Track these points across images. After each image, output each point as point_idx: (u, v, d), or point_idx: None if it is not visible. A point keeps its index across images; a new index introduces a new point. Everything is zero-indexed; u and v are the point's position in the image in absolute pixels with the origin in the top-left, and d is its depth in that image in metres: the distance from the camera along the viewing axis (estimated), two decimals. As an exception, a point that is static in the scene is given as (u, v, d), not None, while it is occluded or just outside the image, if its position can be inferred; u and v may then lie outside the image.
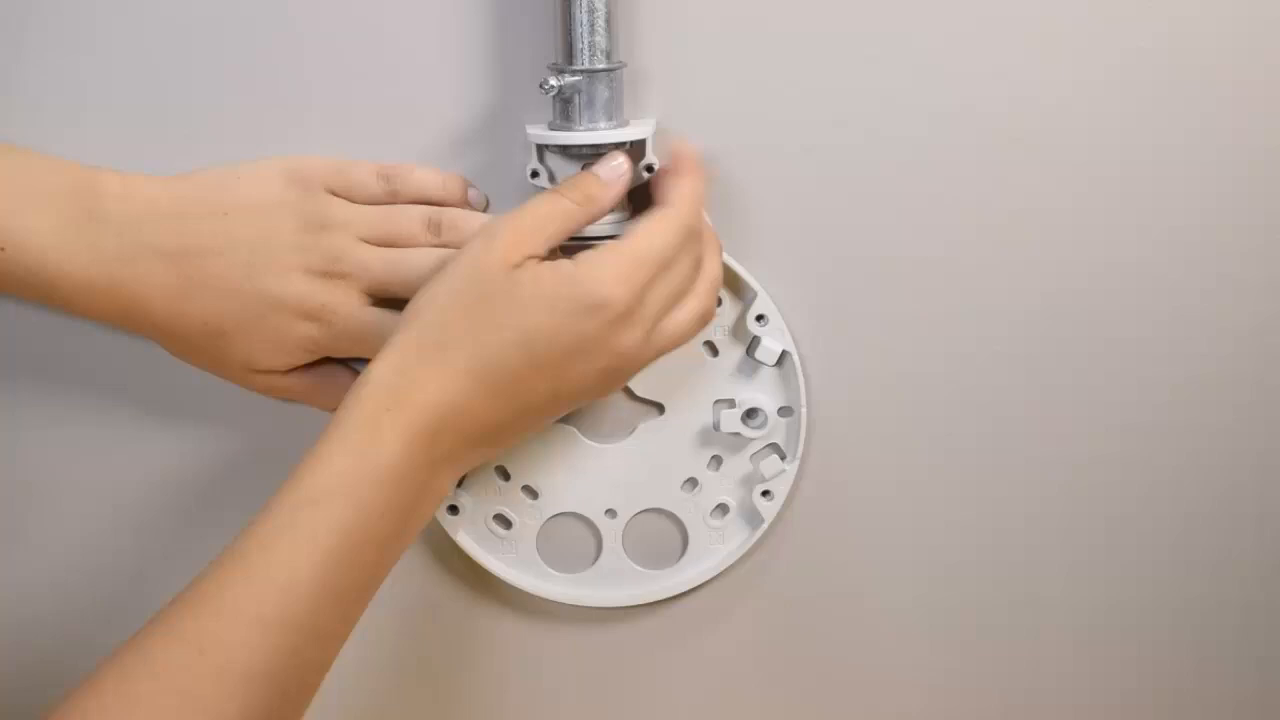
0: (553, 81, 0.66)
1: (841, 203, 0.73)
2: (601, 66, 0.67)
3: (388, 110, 0.71)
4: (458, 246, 0.69)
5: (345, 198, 0.69)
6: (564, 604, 0.77)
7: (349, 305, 0.68)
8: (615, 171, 0.67)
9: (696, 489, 0.76)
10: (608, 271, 0.62)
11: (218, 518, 0.76)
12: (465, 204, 0.71)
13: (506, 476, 0.75)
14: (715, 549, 0.77)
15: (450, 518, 0.75)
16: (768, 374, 0.75)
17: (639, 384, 0.74)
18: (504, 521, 0.76)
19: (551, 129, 0.68)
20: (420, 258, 0.68)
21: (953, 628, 0.80)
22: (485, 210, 0.71)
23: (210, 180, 0.69)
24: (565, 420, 0.75)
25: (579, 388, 0.64)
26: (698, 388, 0.74)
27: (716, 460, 0.76)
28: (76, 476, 0.76)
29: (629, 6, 0.70)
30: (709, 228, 0.69)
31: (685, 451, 0.75)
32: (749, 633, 0.79)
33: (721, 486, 0.76)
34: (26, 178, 0.66)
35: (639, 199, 0.70)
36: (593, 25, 0.67)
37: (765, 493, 0.75)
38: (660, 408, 0.75)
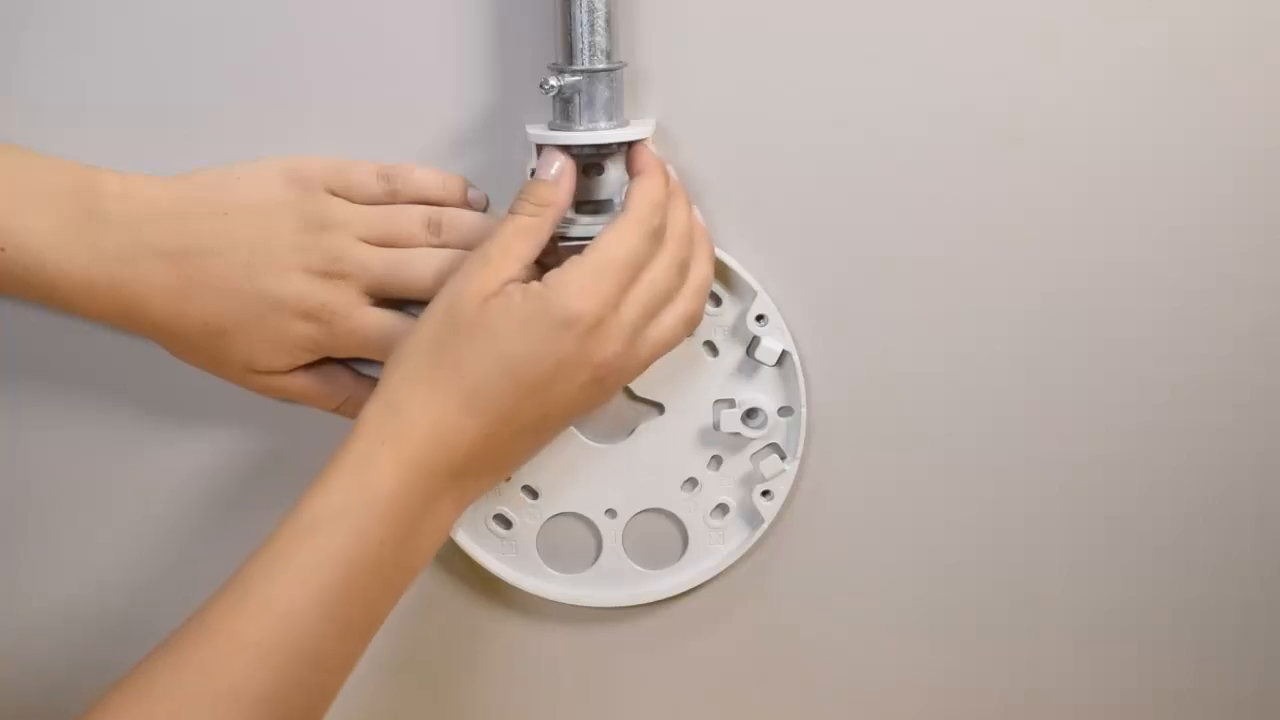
0: (553, 81, 0.66)
1: (841, 203, 0.73)
2: (601, 66, 0.67)
3: (388, 110, 0.71)
4: (458, 246, 0.69)
5: (345, 198, 0.69)
6: (564, 604, 0.77)
7: (348, 305, 0.68)
8: (556, 168, 0.67)
9: (696, 489, 0.76)
10: (572, 286, 0.63)
11: (218, 518, 0.76)
12: (465, 204, 0.71)
13: (507, 477, 0.75)
14: (715, 549, 0.77)
15: (450, 518, 0.75)
16: (768, 374, 0.75)
17: (639, 384, 0.74)
18: (504, 521, 0.76)
19: (551, 129, 0.68)
20: (420, 258, 0.69)
21: (953, 628, 0.80)
22: (485, 210, 0.71)
23: (210, 180, 0.69)
24: (565, 420, 0.75)
25: (569, 405, 0.65)
26: (698, 388, 0.74)
27: (716, 460, 0.76)
28: (76, 477, 0.75)
29: (629, 6, 0.70)
30: (700, 228, 0.69)
31: (685, 451, 0.75)
32: (749, 633, 0.79)
33: (721, 486, 0.76)
34: (26, 178, 0.66)
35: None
36: (593, 25, 0.67)
37: (765, 493, 0.75)
38: (660, 408, 0.75)
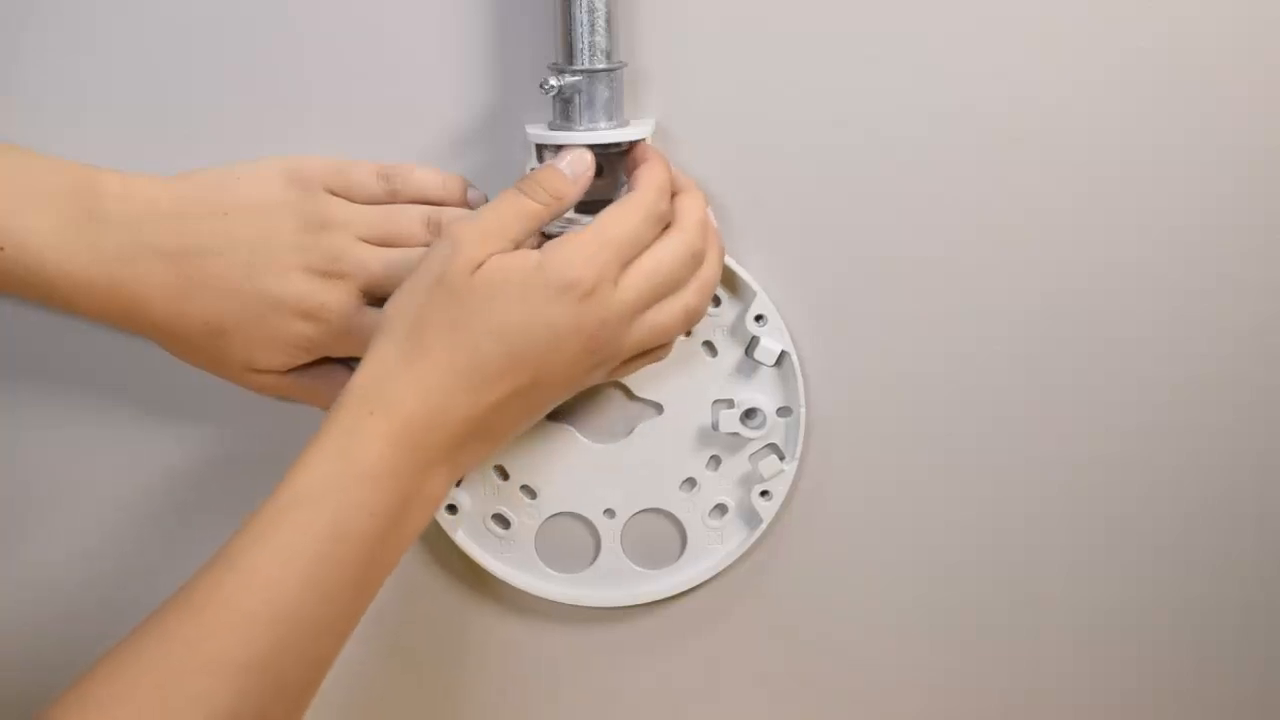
0: (553, 81, 0.66)
1: (841, 203, 0.73)
2: (601, 66, 0.67)
3: (388, 110, 0.71)
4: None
5: (345, 197, 0.69)
6: (562, 604, 0.77)
7: (348, 305, 0.68)
8: (580, 165, 0.67)
9: (695, 489, 0.76)
10: (573, 253, 0.63)
11: (217, 517, 0.76)
12: (465, 204, 0.71)
13: (505, 476, 0.75)
14: (714, 549, 0.77)
15: (449, 517, 0.75)
16: (766, 374, 0.75)
17: (638, 384, 0.74)
18: (502, 521, 0.76)
19: (551, 129, 0.68)
20: (419, 258, 0.68)
21: (953, 628, 0.80)
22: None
23: (210, 180, 0.69)
24: (563, 420, 0.75)
25: (562, 375, 0.64)
26: (696, 388, 0.74)
27: (715, 460, 0.76)
28: (76, 476, 0.76)
29: (629, 6, 0.70)
30: (713, 228, 0.69)
31: (684, 451, 0.75)
32: (748, 633, 0.79)
33: (720, 486, 0.76)
34: (26, 178, 0.66)
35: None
36: (593, 25, 0.67)
37: (764, 493, 0.75)
38: (659, 408, 0.75)
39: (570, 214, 0.69)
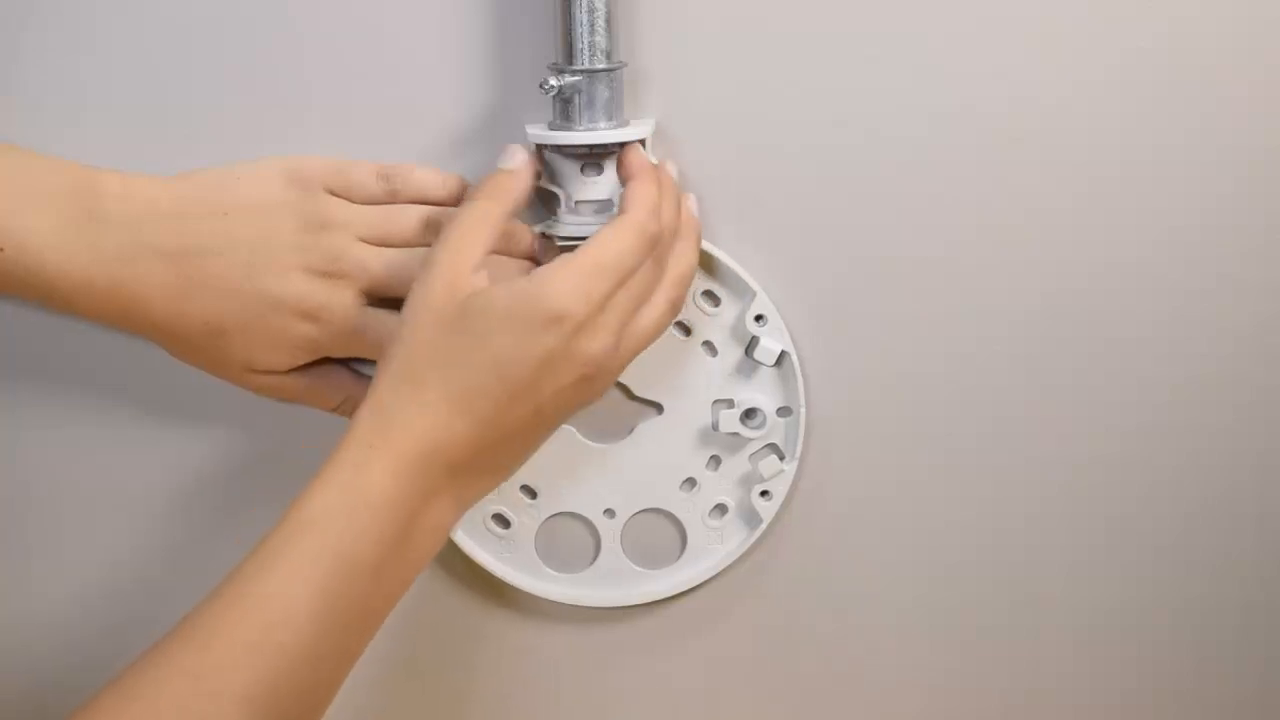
0: (553, 81, 0.66)
1: (841, 203, 0.73)
2: (601, 66, 0.67)
3: (388, 110, 0.71)
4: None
5: (345, 198, 0.69)
6: (562, 604, 0.77)
7: (347, 305, 0.68)
8: (514, 158, 0.67)
9: (695, 489, 0.76)
10: (563, 284, 0.62)
11: (218, 518, 0.76)
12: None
13: (505, 478, 0.75)
14: (714, 549, 0.77)
15: (449, 517, 0.75)
16: (766, 374, 0.75)
17: (638, 384, 0.74)
18: (502, 521, 0.76)
19: (551, 129, 0.68)
20: (419, 258, 0.68)
21: (953, 628, 0.80)
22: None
23: (210, 180, 0.69)
24: (564, 420, 0.75)
25: (560, 402, 0.64)
26: (696, 388, 0.74)
27: (715, 460, 0.76)
28: (76, 477, 0.76)
29: (629, 6, 0.70)
30: (691, 220, 0.69)
31: (684, 451, 0.75)
32: (748, 633, 0.79)
33: (720, 486, 0.76)
34: (26, 178, 0.66)
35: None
36: (593, 25, 0.67)
37: (764, 493, 0.75)
38: (659, 407, 0.75)
39: (568, 214, 0.69)
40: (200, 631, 0.58)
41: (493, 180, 0.66)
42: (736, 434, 0.74)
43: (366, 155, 0.70)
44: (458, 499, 0.64)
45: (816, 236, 0.73)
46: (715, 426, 0.75)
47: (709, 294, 0.73)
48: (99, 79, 0.70)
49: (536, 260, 0.71)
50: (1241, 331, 0.75)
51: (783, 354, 0.74)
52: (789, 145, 0.72)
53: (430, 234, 0.69)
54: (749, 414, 0.74)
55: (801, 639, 0.79)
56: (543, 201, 0.71)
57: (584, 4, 0.66)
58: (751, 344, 0.74)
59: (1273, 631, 0.80)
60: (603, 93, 0.67)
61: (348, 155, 0.70)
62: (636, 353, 0.66)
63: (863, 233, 0.73)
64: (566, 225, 0.69)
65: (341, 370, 0.72)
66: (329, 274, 0.68)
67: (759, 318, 0.73)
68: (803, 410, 0.74)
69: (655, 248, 0.65)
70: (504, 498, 0.75)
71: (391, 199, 0.70)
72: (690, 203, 0.70)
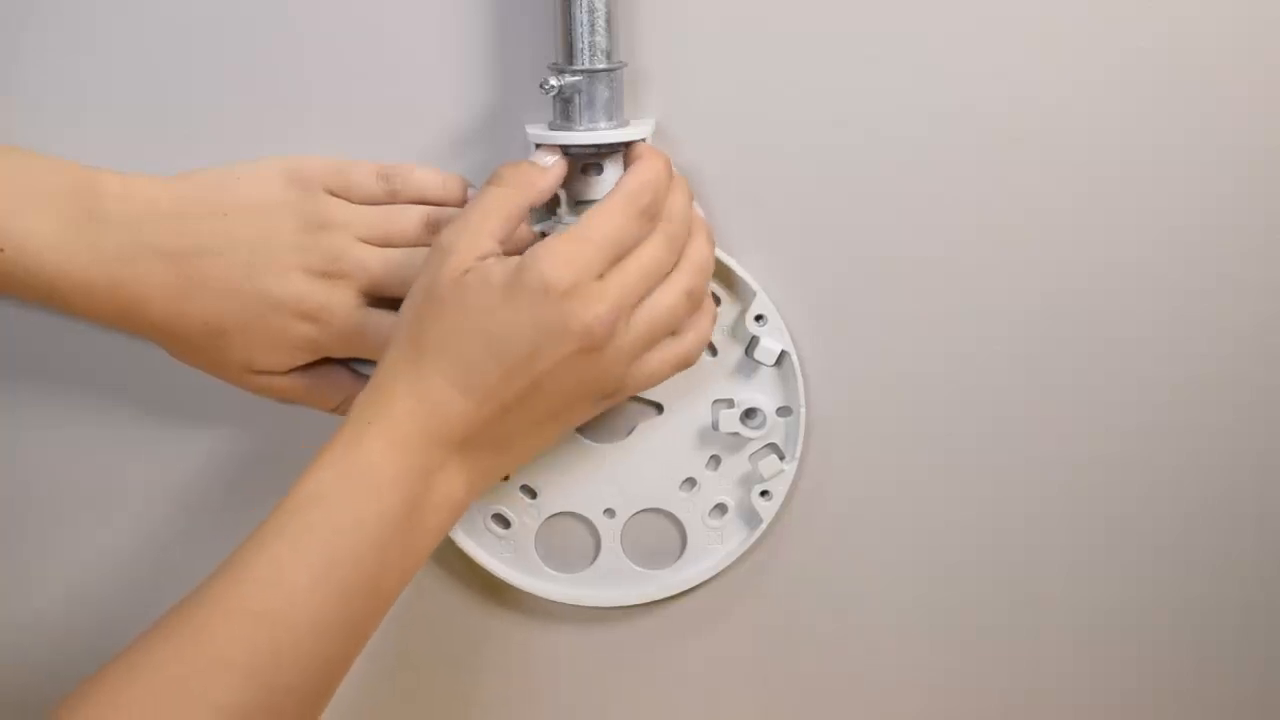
0: (553, 81, 0.66)
1: (841, 203, 0.73)
2: (601, 66, 0.67)
3: (388, 110, 0.71)
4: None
5: (344, 198, 0.69)
6: (562, 604, 0.77)
7: (347, 305, 0.68)
8: (551, 157, 0.67)
9: (695, 489, 0.76)
10: (552, 254, 0.62)
11: (218, 518, 0.76)
12: (465, 204, 0.71)
13: (505, 476, 0.75)
14: (714, 549, 0.77)
15: (449, 517, 0.75)
16: (766, 374, 0.75)
17: (638, 384, 0.74)
18: (502, 521, 0.76)
19: (551, 129, 0.68)
20: (419, 258, 0.68)
21: (953, 628, 0.80)
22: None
23: (210, 180, 0.69)
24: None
25: (562, 377, 0.63)
26: (696, 387, 0.74)
27: (715, 460, 0.76)
28: (76, 477, 0.76)
29: (629, 6, 0.70)
30: (700, 219, 0.69)
31: (684, 451, 0.75)
32: (747, 633, 0.79)
33: (720, 486, 0.76)
34: (26, 178, 0.67)
35: None
36: (593, 25, 0.67)
37: (764, 493, 0.75)
38: (659, 407, 0.75)
39: (568, 214, 0.70)
40: (203, 603, 0.58)
41: (519, 169, 0.66)
42: (736, 434, 0.74)
43: (366, 155, 0.70)
44: (466, 478, 0.64)
45: (816, 236, 0.74)
46: (715, 426, 0.75)
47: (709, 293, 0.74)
48: (99, 79, 0.70)
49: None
50: (1241, 331, 0.75)
51: (783, 354, 0.74)
52: (789, 145, 0.72)
53: (430, 234, 0.69)
54: (749, 414, 0.74)
55: (801, 639, 0.79)
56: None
57: (584, 4, 0.66)
58: (751, 344, 0.74)
59: (1273, 631, 0.80)
60: (603, 93, 0.67)
61: (348, 155, 0.70)
62: (650, 339, 0.65)
63: (863, 233, 0.74)
64: (566, 225, 0.69)
65: (341, 370, 0.72)
66: (329, 274, 0.68)
67: (759, 318, 0.73)
68: (803, 410, 0.74)
69: (653, 221, 0.65)
70: (504, 498, 0.75)
71: (391, 199, 0.70)
72: (696, 208, 0.70)
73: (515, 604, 0.78)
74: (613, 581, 0.77)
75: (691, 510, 0.76)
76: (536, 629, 0.78)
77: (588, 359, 0.63)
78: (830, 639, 0.79)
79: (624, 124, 0.68)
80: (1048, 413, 0.76)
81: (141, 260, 0.67)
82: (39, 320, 0.73)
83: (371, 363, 0.71)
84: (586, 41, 0.67)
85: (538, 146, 0.68)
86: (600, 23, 0.67)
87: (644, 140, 0.68)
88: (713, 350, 0.74)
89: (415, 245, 0.69)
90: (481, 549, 0.76)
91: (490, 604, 0.78)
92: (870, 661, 0.80)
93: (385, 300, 0.69)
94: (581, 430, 0.75)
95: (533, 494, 0.76)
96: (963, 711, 0.81)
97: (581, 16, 0.66)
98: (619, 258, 0.64)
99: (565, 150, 0.68)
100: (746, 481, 0.76)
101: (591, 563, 0.77)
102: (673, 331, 0.67)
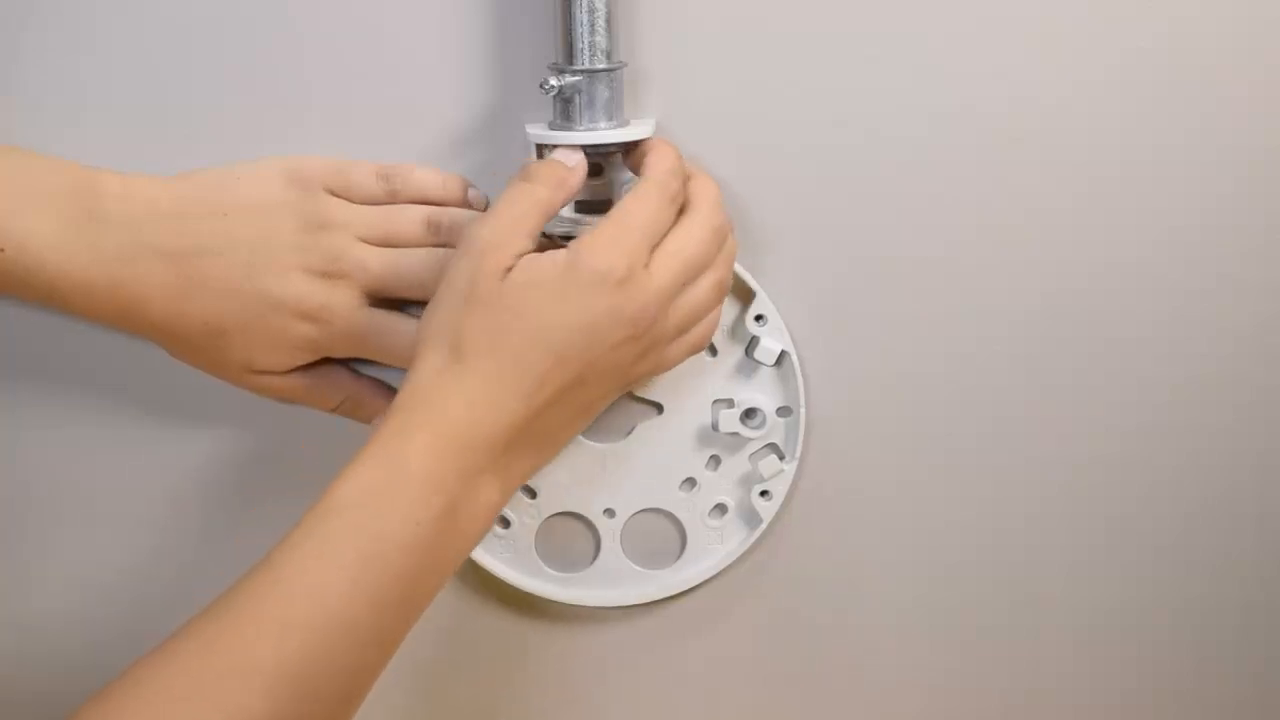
0: (553, 81, 0.66)
1: (841, 203, 0.73)
2: (601, 66, 0.67)
3: (388, 110, 0.71)
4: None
5: (345, 198, 0.69)
6: (562, 604, 0.77)
7: (348, 305, 0.68)
8: (574, 156, 0.67)
9: (695, 489, 0.76)
10: (600, 243, 0.62)
11: (218, 518, 0.76)
12: (465, 204, 0.71)
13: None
14: (714, 549, 0.77)
15: (449, 517, 0.75)
16: (766, 374, 0.75)
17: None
18: (502, 520, 0.76)
19: (552, 129, 0.68)
20: (419, 258, 0.69)
21: (953, 628, 0.80)
22: (485, 210, 0.71)
23: (210, 180, 0.69)
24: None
25: (609, 369, 0.63)
26: (696, 387, 0.74)
27: (715, 460, 0.76)
28: (76, 477, 0.76)
29: (629, 6, 0.70)
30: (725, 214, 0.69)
31: (684, 451, 0.75)
32: (747, 633, 0.79)
33: (720, 486, 0.76)
34: (26, 178, 0.66)
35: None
36: (593, 25, 0.67)
37: (764, 493, 0.75)
38: (659, 407, 0.75)
39: (573, 215, 0.70)
40: (232, 608, 0.58)
41: (550, 168, 0.66)
42: (736, 434, 0.74)
43: (366, 155, 0.70)
44: (503, 479, 0.64)
45: (816, 236, 0.74)
46: (715, 426, 0.75)
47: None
48: (99, 79, 0.70)
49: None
50: (1241, 331, 0.75)
51: (783, 354, 0.74)
52: (789, 145, 0.72)
53: (431, 234, 0.69)
54: (749, 414, 0.74)
55: (801, 639, 0.79)
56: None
57: (584, 4, 0.66)
58: (751, 344, 0.74)
59: (1273, 631, 0.80)
60: (603, 93, 0.67)
61: (348, 155, 0.70)
62: (684, 325, 0.66)
63: (863, 233, 0.74)
64: (567, 225, 0.69)
65: (341, 370, 0.72)
66: (329, 274, 0.68)
67: (759, 318, 0.73)
68: (803, 410, 0.74)
69: (679, 206, 0.66)
70: (504, 498, 0.76)
71: (391, 199, 0.70)
72: None
73: (515, 604, 0.78)
74: (613, 581, 0.77)
75: (691, 510, 0.76)
76: (536, 629, 0.78)
77: (631, 346, 0.64)
78: (830, 639, 0.79)
79: (624, 124, 0.68)
80: (1048, 413, 0.76)
81: (141, 260, 0.67)
82: (39, 320, 0.73)
83: (371, 362, 0.71)
84: (586, 41, 0.67)
85: (555, 148, 0.68)
86: (600, 23, 0.67)
87: (648, 139, 0.68)
88: (713, 350, 0.74)
89: (415, 245, 0.69)
90: (481, 549, 0.76)
91: (489, 604, 0.78)
92: (870, 661, 0.80)
93: (385, 300, 0.69)
94: (582, 430, 0.75)
95: (533, 494, 0.76)
96: (963, 711, 0.81)
97: (581, 16, 0.66)
98: (655, 242, 0.64)
99: (584, 150, 0.68)
100: (746, 481, 0.76)
101: (591, 563, 0.77)
102: None
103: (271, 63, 0.71)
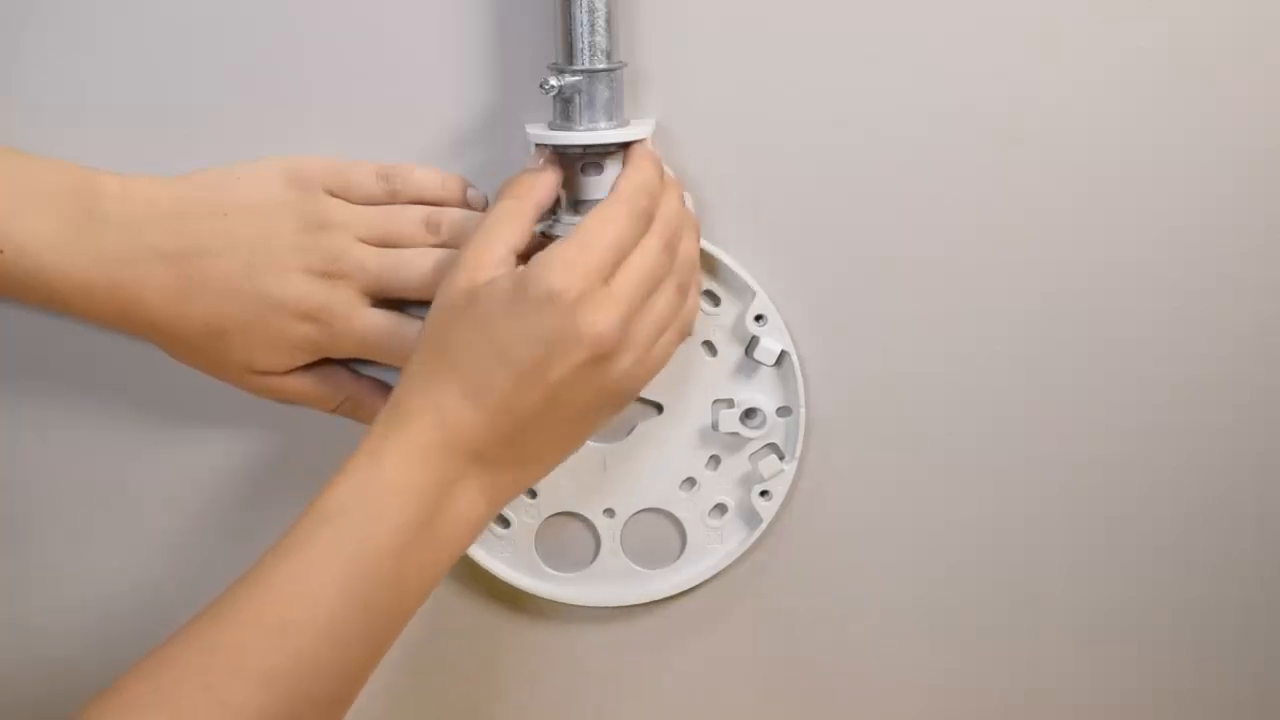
0: (553, 81, 0.66)
1: (841, 203, 0.73)
2: (601, 66, 0.67)
3: (388, 110, 0.71)
4: (457, 246, 0.69)
5: (344, 198, 0.69)
6: (562, 603, 0.77)
7: (347, 306, 0.68)
8: (537, 161, 0.67)
9: (695, 489, 0.76)
10: (554, 262, 0.62)
11: (218, 518, 0.76)
12: (465, 204, 0.71)
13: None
14: (713, 549, 0.77)
15: (449, 517, 0.75)
16: (766, 374, 0.75)
17: (638, 384, 0.74)
18: (502, 520, 0.76)
19: (551, 129, 0.68)
20: (419, 258, 0.69)
21: (953, 628, 0.80)
22: (485, 210, 0.71)
23: (210, 181, 0.69)
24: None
25: (575, 386, 0.63)
26: (696, 387, 0.74)
27: (715, 460, 0.76)
28: (76, 477, 0.76)
29: (629, 6, 0.70)
30: (688, 214, 0.69)
31: (684, 451, 0.75)
32: (747, 633, 0.79)
33: (720, 486, 0.76)
34: (26, 179, 0.66)
35: None
36: (593, 25, 0.67)
37: (764, 493, 0.75)
38: (659, 407, 0.75)
39: (568, 215, 0.70)
40: (224, 613, 0.59)
41: (516, 180, 0.67)
42: (736, 434, 0.74)
43: (366, 155, 0.70)
44: (486, 491, 0.64)
45: (816, 236, 0.74)
46: (715, 426, 0.75)
47: (709, 294, 0.74)
48: (99, 79, 0.70)
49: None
50: (1241, 331, 0.75)
51: (783, 354, 0.74)
52: (789, 145, 0.72)
53: (430, 234, 0.69)
54: (749, 414, 0.74)
55: (801, 639, 0.79)
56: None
57: (584, 4, 0.66)
58: (751, 344, 0.74)
59: (1273, 631, 0.80)
60: (603, 93, 0.67)
61: (348, 155, 0.70)
62: (655, 337, 0.65)
63: (863, 233, 0.74)
64: (566, 225, 0.69)
65: (341, 371, 0.72)
66: (329, 274, 0.68)
67: (759, 318, 0.73)
68: (803, 410, 0.74)
69: (649, 222, 0.65)
70: (504, 498, 0.75)
71: (391, 199, 0.70)
72: (687, 199, 0.70)
73: (515, 604, 0.78)
74: (613, 581, 0.77)
75: (691, 510, 0.76)
76: (536, 629, 0.78)
77: (600, 366, 0.63)
78: (830, 639, 0.79)
79: (624, 124, 0.68)
80: (1048, 413, 0.76)
81: (141, 261, 0.67)
82: (39, 320, 0.73)
83: (371, 363, 0.71)
84: (586, 41, 0.67)
85: (554, 148, 0.68)
86: (600, 23, 0.67)
87: (644, 140, 0.68)
88: (713, 350, 0.74)
89: (415, 245, 0.69)
90: (481, 549, 0.76)
91: (489, 603, 0.78)
92: (870, 661, 0.80)
93: (386, 300, 0.69)
94: (581, 430, 0.75)
95: (533, 494, 0.76)
96: (963, 711, 0.81)
97: (581, 16, 0.66)
98: (620, 261, 0.64)
99: (560, 150, 0.68)
100: (746, 481, 0.76)
101: (591, 562, 0.77)
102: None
103: (271, 63, 0.71)
